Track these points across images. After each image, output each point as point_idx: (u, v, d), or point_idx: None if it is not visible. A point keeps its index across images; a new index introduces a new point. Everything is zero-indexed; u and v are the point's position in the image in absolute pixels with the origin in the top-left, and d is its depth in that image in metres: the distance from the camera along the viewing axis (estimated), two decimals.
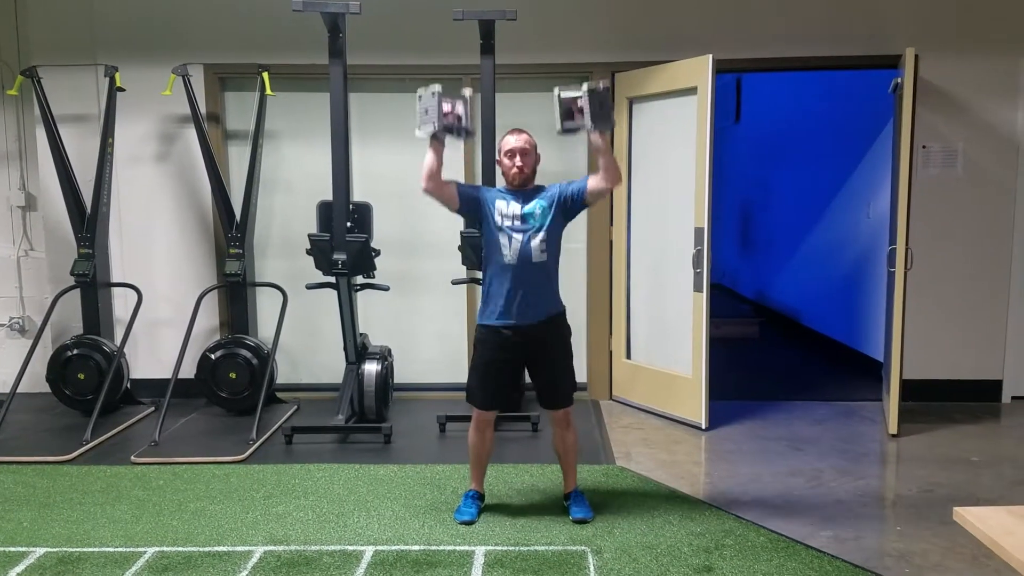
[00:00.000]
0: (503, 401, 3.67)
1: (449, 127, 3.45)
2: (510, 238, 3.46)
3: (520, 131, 3.56)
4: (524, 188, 3.53)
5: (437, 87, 3.43)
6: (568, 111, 3.44)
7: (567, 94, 3.43)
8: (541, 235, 3.47)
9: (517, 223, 3.46)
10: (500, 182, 3.74)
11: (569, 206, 3.53)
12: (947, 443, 4.60)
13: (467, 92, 3.55)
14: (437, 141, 3.45)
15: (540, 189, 3.57)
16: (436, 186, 3.48)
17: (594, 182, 3.49)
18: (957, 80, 5.17)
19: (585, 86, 3.38)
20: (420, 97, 3.45)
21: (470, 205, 3.55)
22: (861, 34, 5.19)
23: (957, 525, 3.50)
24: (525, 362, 3.62)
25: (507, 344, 3.51)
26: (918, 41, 4.86)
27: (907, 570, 3.10)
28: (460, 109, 3.47)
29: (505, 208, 3.49)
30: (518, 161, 3.49)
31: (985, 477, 4.10)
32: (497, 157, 3.61)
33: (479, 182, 5.13)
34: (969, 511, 3.52)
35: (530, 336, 3.51)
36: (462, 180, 5.41)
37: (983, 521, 3.41)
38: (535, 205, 3.48)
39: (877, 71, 5.31)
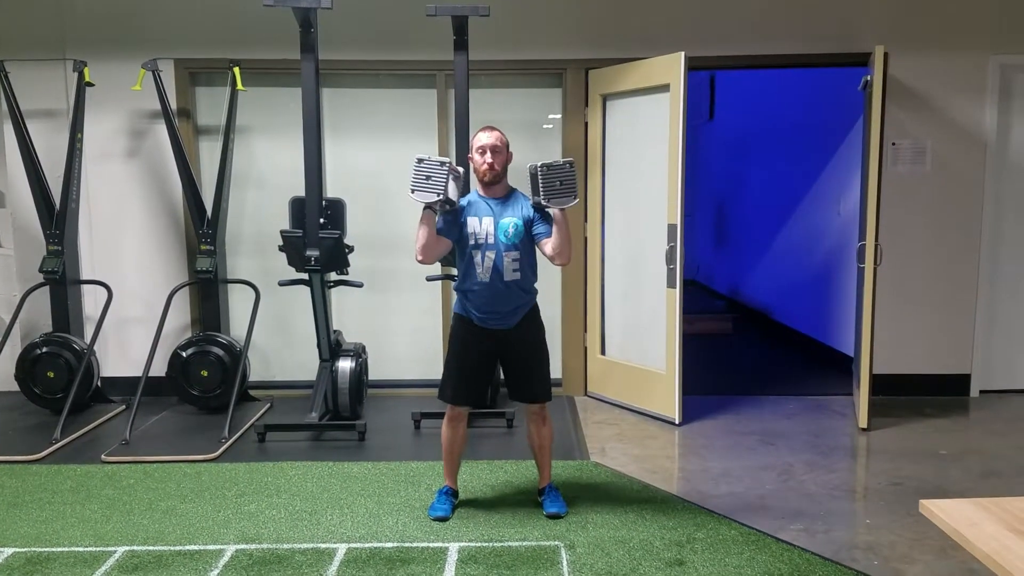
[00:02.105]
0: (475, 398, 3.66)
1: (446, 200, 3.40)
2: (483, 256, 3.47)
3: (492, 128, 3.55)
4: (495, 184, 3.52)
5: (446, 159, 3.39)
6: (537, 185, 3.42)
7: (534, 167, 3.41)
8: (514, 254, 3.48)
9: (490, 240, 3.46)
10: (474, 180, 3.73)
11: (532, 235, 3.53)
12: (916, 437, 4.67)
13: (460, 169, 3.52)
14: (431, 211, 3.42)
15: (513, 197, 3.55)
16: (434, 254, 3.48)
17: (546, 247, 3.47)
18: (926, 78, 5.24)
19: (540, 164, 3.36)
20: (420, 161, 3.37)
21: (455, 235, 3.52)
22: (832, 32, 5.23)
23: (925, 517, 3.54)
24: (500, 357, 3.63)
25: (482, 338, 3.54)
26: (887, 39, 4.92)
27: (875, 562, 3.15)
28: (452, 184, 3.41)
29: (478, 226, 3.48)
30: (488, 158, 3.47)
31: (953, 470, 4.16)
32: (469, 153, 3.60)
33: None
34: (935, 503, 3.55)
35: (505, 334, 3.55)
36: None
37: (948, 513, 3.44)
38: (509, 223, 3.47)
39: (847, 69, 5.37)
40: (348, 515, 3.60)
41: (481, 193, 3.56)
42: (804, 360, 6.70)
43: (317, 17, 4.49)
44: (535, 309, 3.64)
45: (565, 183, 3.37)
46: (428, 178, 3.35)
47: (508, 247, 3.46)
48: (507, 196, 3.55)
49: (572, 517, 3.53)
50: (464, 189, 3.70)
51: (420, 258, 3.46)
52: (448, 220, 3.50)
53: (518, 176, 3.60)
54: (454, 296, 3.68)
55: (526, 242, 3.50)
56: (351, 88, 5.51)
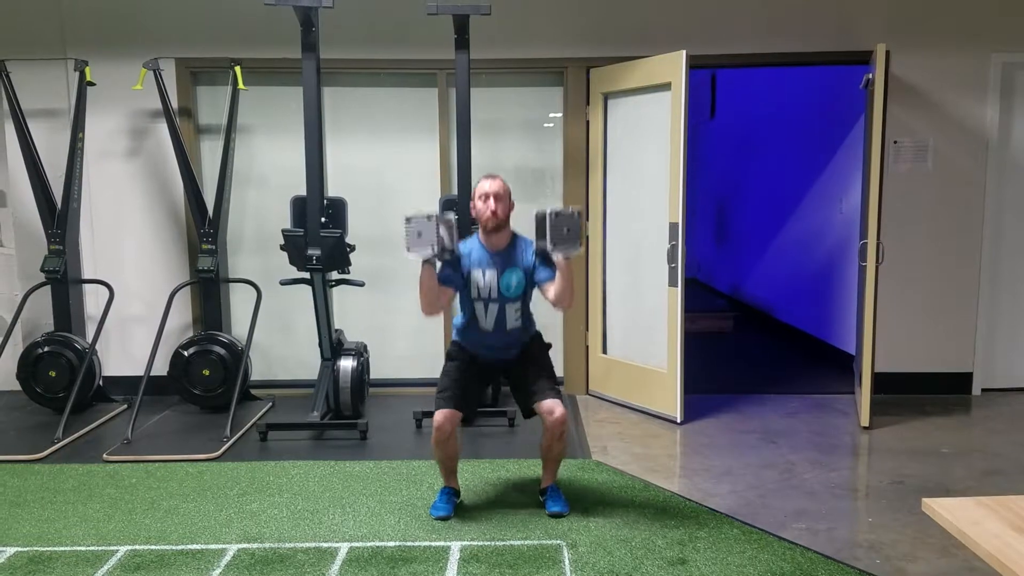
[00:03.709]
0: (468, 406, 3.58)
1: (442, 250, 3.43)
2: (486, 307, 3.54)
3: (494, 176, 3.56)
4: (498, 232, 3.51)
5: (432, 212, 3.41)
6: (543, 229, 3.43)
7: (542, 213, 3.41)
8: (516, 304, 3.55)
9: (493, 294, 3.52)
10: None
11: (533, 283, 3.56)
12: (918, 435, 4.66)
13: (451, 216, 3.54)
14: (430, 264, 3.44)
15: (515, 245, 3.56)
16: (439, 306, 3.52)
17: (549, 293, 3.49)
18: (928, 76, 5.23)
19: (549, 210, 3.36)
20: (408, 220, 3.39)
21: (459, 282, 3.56)
22: (833, 30, 5.23)
23: (927, 516, 3.54)
24: (503, 374, 3.70)
25: (482, 365, 3.64)
26: (889, 37, 4.92)
27: (878, 560, 3.14)
28: (445, 232, 3.43)
29: (481, 279, 3.52)
30: (491, 205, 3.47)
31: (955, 468, 4.16)
32: (471, 200, 3.60)
33: (454, 178, 5.12)
34: (938, 502, 3.57)
35: (506, 362, 3.65)
36: (437, 180, 5.44)
37: (951, 512, 3.45)
38: (511, 276, 3.51)
39: (849, 67, 5.36)
40: (350, 514, 3.60)
41: (482, 241, 3.56)
42: (805, 358, 6.69)
43: (318, 16, 4.48)
44: (538, 336, 3.71)
45: (572, 231, 3.37)
46: (420, 234, 3.38)
47: (511, 299, 3.53)
48: (509, 245, 3.56)
49: (574, 516, 3.53)
50: (464, 231, 3.69)
51: (425, 312, 3.52)
52: (450, 268, 3.52)
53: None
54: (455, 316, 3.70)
55: (528, 291, 3.57)
56: (352, 87, 5.51)
